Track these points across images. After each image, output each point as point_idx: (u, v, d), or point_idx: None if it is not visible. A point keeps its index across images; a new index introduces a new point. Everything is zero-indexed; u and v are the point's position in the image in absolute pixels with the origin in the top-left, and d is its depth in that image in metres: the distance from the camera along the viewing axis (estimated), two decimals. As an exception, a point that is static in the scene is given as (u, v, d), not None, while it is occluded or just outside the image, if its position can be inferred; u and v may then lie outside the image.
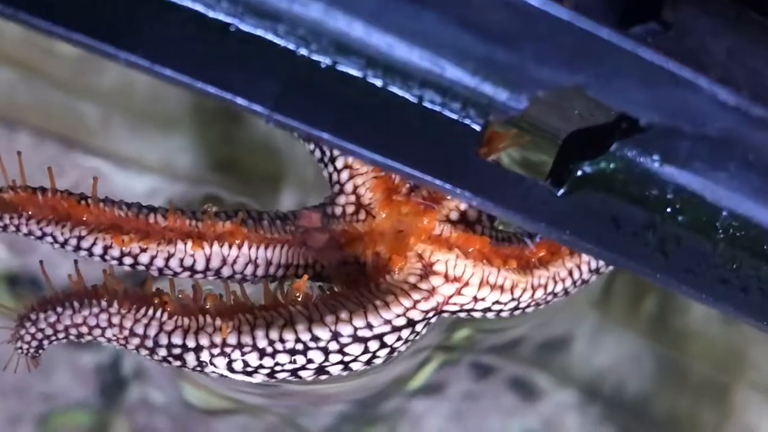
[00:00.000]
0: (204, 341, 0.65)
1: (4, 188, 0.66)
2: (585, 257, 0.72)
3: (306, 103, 0.52)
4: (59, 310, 0.65)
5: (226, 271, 0.69)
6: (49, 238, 0.66)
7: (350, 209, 0.70)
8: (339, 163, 0.70)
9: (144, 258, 0.67)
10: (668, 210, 0.57)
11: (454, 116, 0.54)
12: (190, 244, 0.67)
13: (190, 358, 0.65)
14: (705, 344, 0.88)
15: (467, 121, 0.55)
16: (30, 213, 0.66)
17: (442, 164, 0.55)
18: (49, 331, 0.65)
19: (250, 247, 0.69)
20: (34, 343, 0.65)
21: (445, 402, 0.84)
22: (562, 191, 0.56)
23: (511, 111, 0.54)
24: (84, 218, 0.66)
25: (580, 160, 0.56)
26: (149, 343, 0.65)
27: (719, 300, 0.60)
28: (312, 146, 0.72)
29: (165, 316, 0.65)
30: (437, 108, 0.54)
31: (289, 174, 0.85)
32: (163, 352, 0.65)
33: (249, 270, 0.69)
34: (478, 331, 0.84)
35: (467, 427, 0.84)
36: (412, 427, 0.84)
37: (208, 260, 0.68)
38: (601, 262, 0.73)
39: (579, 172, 0.56)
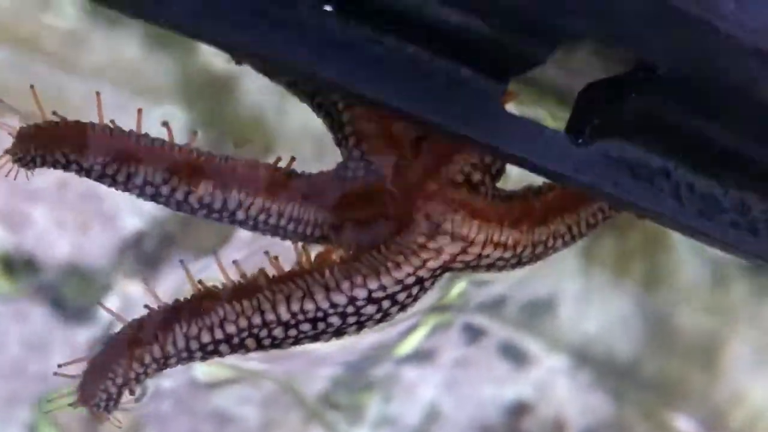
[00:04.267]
0: (231, 329, 0.66)
1: (26, 125, 0.65)
2: (583, 214, 0.74)
3: (339, 61, 0.53)
4: (102, 386, 0.64)
5: (240, 215, 0.69)
6: (74, 166, 0.66)
7: (359, 173, 0.72)
8: (348, 129, 0.72)
9: (165, 190, 0.67)
10: (681, 156, 0.60)
11: (478, 71, 0.56)
12: (211, 182, 0.68)
13: (224, 348, 0.66)
14: (693, 307, 0.89)
15: (489, 76, 0.56)
16: (54, 143, 0.65)
17: (466, 118, 0.57)
18: (112, 402, 0.65)
19: (265, 198, 0.69)
20: (111, 405, 0.65)
21: (438, 369, 0.85)
22: (580, 141, 0.58)
23: (533, 64, 0.56)
24: (108, 146, 0.66)
25: (596, 110, 0.58)
26: (184, 354, 0.66)
27: (730, 243, 0.62)
28: (322, 113, 0.73)
29: (184, 327, 0.66)
30: (461, 63, 0.56)
31: (281, 149, 0.85)
32: (198, 355, 0.66)
33: (262, 218, 0.70)
34: (471, 284, 0.85)
35: (461, 395, 0.86)
36: (406, 394, 0.85)
37: (225, 201, 0.69)
38: (599, 217, 0.75)
39: (596, 122, 0.58)
